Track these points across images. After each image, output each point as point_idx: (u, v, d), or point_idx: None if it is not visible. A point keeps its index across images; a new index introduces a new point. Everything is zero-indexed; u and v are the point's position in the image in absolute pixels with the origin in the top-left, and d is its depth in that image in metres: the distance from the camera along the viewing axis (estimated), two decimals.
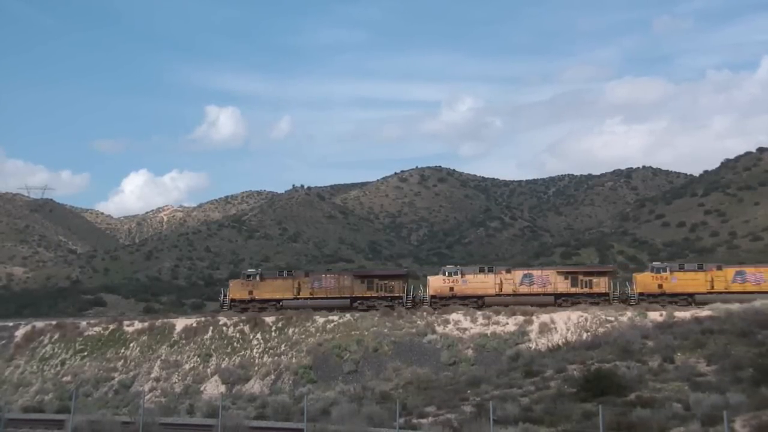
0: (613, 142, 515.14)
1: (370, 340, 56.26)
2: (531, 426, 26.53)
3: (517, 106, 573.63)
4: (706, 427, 24.13)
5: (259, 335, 59.82)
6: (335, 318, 60.68)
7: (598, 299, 65.21)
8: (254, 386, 53.52)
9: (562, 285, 66.75)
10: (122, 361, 59.24)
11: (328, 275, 72.95)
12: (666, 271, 66.59)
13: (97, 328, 63.13)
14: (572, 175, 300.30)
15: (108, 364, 58.80)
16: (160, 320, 63.19)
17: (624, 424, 25.04)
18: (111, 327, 62.93)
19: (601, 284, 66.52)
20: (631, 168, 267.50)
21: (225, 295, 71.08)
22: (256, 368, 55.85)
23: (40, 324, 64.57)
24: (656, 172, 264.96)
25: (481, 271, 69.09)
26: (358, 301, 67.76)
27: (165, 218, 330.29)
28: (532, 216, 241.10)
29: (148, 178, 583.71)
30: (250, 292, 69.54)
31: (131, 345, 60.91)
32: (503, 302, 64.82)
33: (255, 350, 58.34)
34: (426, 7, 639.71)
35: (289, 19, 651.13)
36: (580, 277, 67.61)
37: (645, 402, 27.67)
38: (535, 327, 57.40)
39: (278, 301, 68.77)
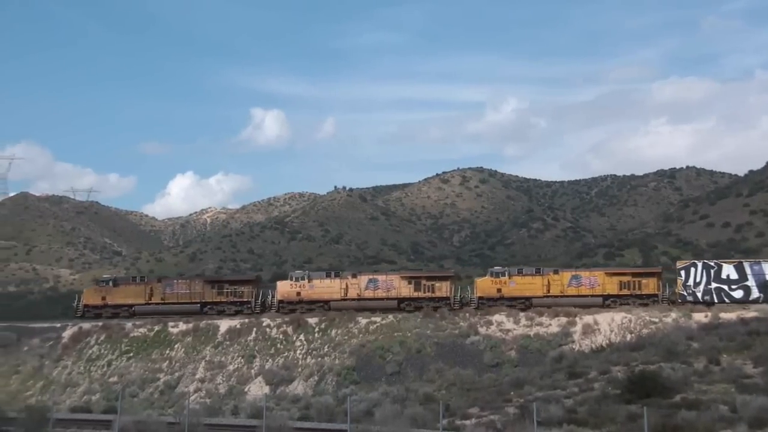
0: (659, 142, 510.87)
1: (413, 341, 56.36)
2: (575, 428, 26.46)
3: (561, 107, 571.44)
4: (754, 429, 23.95)
5: (302, 336, 60.10)
6: (378, 319, 60.85)
7: (440, 303, 66.30)
8: (298, 387, 53.79)
9: (406, 290, 67.81)
10: (167, 362, 59.73)
11: (180, 281, 74.41)
12: (505, 276, 67.35)
13: (142, 330, 63.67)
14: (615, 175, 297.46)
15: (153, 365, 59.32)
16: (204, 321, 63.62)
17: (669, 426, 24.90)
18: (156, 328, 63.45)
19: (443, 288, 67.55)
20: (675, 168, 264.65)
21: (79, 301, 71.80)
22: (300, 369, 56.11)
23: (86, 325, 65.27)
24: (700, 172, 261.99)
25: (328, 276, 70.45)
26: (208, 306, 69.08)
27: (208, 220, 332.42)
28: (574, 217, 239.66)
29: (193, 180, 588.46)
30: (104, 298, 70.59)
31: (176, 346, 61.40)
32: (348, 307, 66.29)
33: (298, 351, 58.61)
34: (467, 8, 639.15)
35: (332, 23, 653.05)
36: (423, 281, 68.66)
37: (690, 404, 27.49)
38: (578, 328, 57.21)
39: (130, 306, 69.80)
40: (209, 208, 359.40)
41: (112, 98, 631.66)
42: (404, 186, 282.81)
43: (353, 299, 67.55)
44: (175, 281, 73.77)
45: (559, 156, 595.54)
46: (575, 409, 29.59)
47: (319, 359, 56.85)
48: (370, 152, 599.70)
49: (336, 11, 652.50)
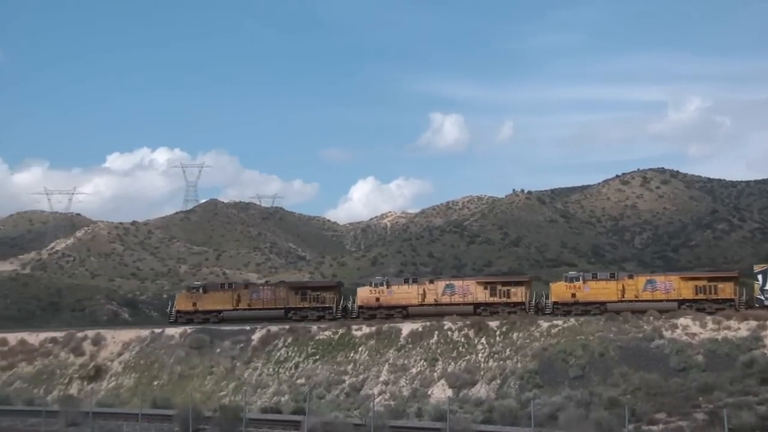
0: None
1: (596, 344, 55.67)
2: None
3: (746, 104, 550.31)
4: None
5: (483, 339, 60.22)
6: (559, 322, 60.41)
7: (515, 308, 66.88)
8: (480, 390, 53.95)
9: (482, 295, 68.85)
10: (352, 364, 60.89)
11: (265, 287, 76.80)
12: (579, 281, 67.51)
13: (327, 333, 65.14)
14: None
15: (338, 368, 60.58)
16: (386, 325, 64.60)
17: None
18: (340, 331, 64.76)
19: (518, 294, 68.31)
20: None
21: (172, 307, 75.44)
22: (482, 372, 56.29)
23: (274, 328, 67.23)
24: None
25: (406, 282, 72.53)
26: (292, 312, 71.15)
27: (388, 224, 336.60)
28: (762, 217, 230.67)
29: (374, 185, 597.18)
30: (194, 304, 73.34)
31: (360, 349, 62.49)
32: (425, 312, 67.65)
33: (480, 354, 58.78)
34: (644, 6, 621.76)
35: (508, 26, 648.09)
36: (499, 287, 69.27)
37: None
38: None
39: (219, 312, 72.19)
40: (389, 212, 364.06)
41: (297, 106, 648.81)
42: (583, 188, 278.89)
43: (430, 304, 69.49)
44: (261, 287, 76.97)
45: (746, 155, 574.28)
46: None
47: (501, 362, 56.87)
48: (548, 154, 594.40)
49: (512, 13, 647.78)
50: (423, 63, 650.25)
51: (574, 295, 66.99)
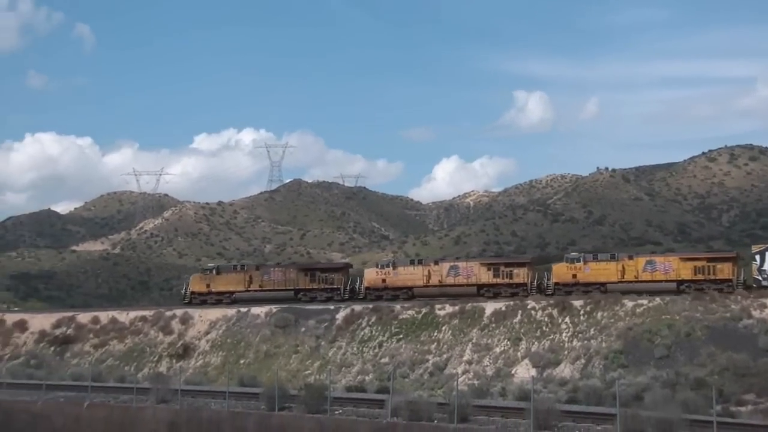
0: None
1: (682, 324, 55.04)
2: None
3: None
4: None
5: (567, 319, 59.92)
6: (644, 302, 59.81)
7: (517, 289, 67.48)
8: (564, 370, 53.76)
9: (485, 276, 69.47)
10: (435, 344, 61.04)
11: (276, 269, 77.62)
12: (580, 262, 67.78)
13: (410, 312, 65.36)
14: None
15: (422, 347, 60.78)
16: (470, 304, 64.61)
17: None
18: (423, 311, 64.95)
19: (520, 275, 68.91)
20: None
21: (186, 288, 77.53)
22: (566, 352, 56.06)
23: (358, 307, 67.68)
24: None
25: (412, 263, 73.34)
26: (302, 293, 72.58)
27: (471, 203, 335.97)
28: None
29: (458, 164, 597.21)
30: (208, 285, 75.15)
31: (443, 328, 62.60)
32: (430, 293, 68.81)
33: (564, 334, 58.52)
34: None
35: (593, 2, 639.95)
36: (502, 268, 69.91)
37: None
38: None
39: (231, 293, 73.84)
40: (472, 191, 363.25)
41: (381, 86, 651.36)
42: (669, 165, 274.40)
43: (435, 285, 70.38)
44: (272, 269, 77.83)
45: None
46: None
47: (586, 342, 56.54)
48: (633, 132, 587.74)
49: None
50: (507, 41, 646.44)
51: (575, 276, 67.41)
